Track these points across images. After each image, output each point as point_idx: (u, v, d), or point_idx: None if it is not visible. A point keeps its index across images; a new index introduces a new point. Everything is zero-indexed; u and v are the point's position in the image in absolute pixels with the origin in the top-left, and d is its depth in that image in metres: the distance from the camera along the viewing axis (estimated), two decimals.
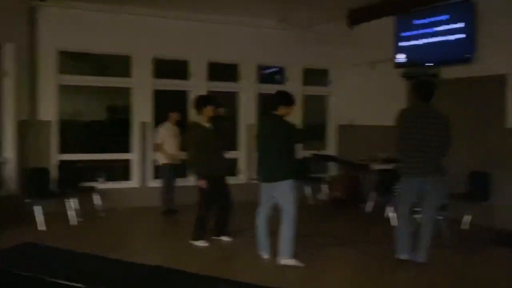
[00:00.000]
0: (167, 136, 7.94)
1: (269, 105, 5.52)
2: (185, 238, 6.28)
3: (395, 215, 6.03)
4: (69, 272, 2.90)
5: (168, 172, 7.96)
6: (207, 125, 6.16)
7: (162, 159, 8.02)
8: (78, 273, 2.88)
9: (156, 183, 8.55)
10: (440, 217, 6.11)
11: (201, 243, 6.10)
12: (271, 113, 5.46)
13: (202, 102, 6.23)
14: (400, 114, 5.48)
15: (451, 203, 6.67)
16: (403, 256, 5.43)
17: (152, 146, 8.31)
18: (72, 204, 7.28)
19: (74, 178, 7.89)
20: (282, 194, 5.32)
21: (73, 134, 8.79)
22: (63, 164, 8.03)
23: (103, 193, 7.94)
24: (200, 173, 6.05)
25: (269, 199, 5.48)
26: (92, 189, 7.82)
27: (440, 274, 5.24)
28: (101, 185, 8.17)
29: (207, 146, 6.05)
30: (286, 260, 5.30)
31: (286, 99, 5.48)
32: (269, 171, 5.39)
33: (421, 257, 5.36)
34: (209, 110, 6.16)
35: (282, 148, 5.31)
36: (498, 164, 7.03)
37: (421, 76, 8.17)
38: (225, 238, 6.30)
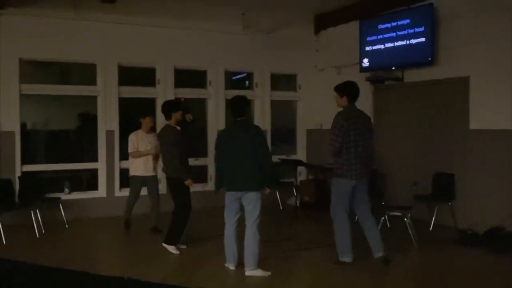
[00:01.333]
0: (140, 144, 7.20)
1: (236, 110, 5.35)
2: (151, 246, 6.20)
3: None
4: (28, 285, 2.83)
5: (139, 185, 7.28)
6: (179, 128, 6.16)
7: (133, 170, 7.29)
8: (36, 287, 2.81)
9: (125, 192, 8.45)
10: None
11: (173, 250, 6.02)
12: (240, 119, 5.33)
13: (171, 107, 6.23)
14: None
15: (416, 204, 6.75)
16: (347, 259, 5.50)
17: (127, 155, 7.42)
18: (34, 216, 7.11)
19: (38, 189, 7.73)
20: (251, 203, 5.21)
21: (39, 144, 8.61)
22: (27, 175, 7.86)
23: (68, 204, 7.80)
24: (187, 173, 6.02)
25: (237, 208, 5.34)
26: (57, 200, 7.66)
27: (404, 274, 5.29)
28: (67, 195, 8.03)
29: (182, 149, 6.04)
30: (252, 272, 5.22)
31: (247, 103, 5.48)
32: (241, 179, 5.21)
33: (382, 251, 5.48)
34: (178, 115, 6.17)
35: (257, 156, 5.20)
36: (462, 164, 7.14)
37: (385, 79, 8.30)
38: (181, 246, 6.23)
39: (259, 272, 5.22)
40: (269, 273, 5.23)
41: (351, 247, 5.49)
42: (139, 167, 7.20)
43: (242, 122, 5.34)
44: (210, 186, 9.19)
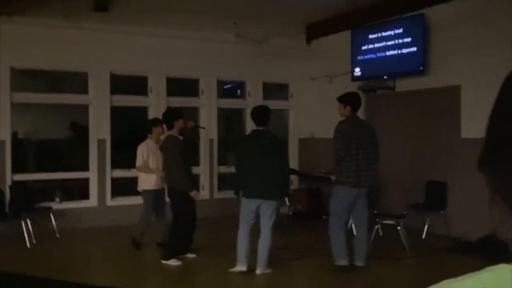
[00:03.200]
0: (151, 156, 6.66)
1: (259, 119, 5.54)
2: (145, 258, 6.15)
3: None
4: None
5: (151, 200, 6.67)
6: (181, 138, 6.13)
7: (144, 184, 6.70)
8: None
9: (117, 202, 8.43)
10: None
11: (174, 262, 5.94)
12: (263, 129, 5.53)
13: (173, 115, 6.19)
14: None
15: (409, 212, 6.77)
16: (343, 262, 5.53)
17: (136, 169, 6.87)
18: (25, 226, 7.03)
19: (29, 199, 7.64)
20: (270, 209, 5.41)
21: (30, 153, 8.55)
22: (18, 185, 7.77)
23: (60, 213, 7.72)
24: (193, 185, 6.05)
25: (254, 215, 5.50)
26: (48, 210, 7.58)
27: (397, 282, 5.30)
28: (58, 205, 7.96)
29: (185, 159, 6.00)
30: (264, 271, 5.47)
31: (269, 113, 5.65)
32: (262, 187, 5.36)
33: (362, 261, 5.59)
34: (180, 123, 6.11)
35: (278, 165, 5.40)
36: (454, 173, 7.19)
37: (377, 88, 8.35)
38: (190, 255, 6.19)
39: (268, 270, 5.54)
40: (271, 269, 5.56)
41: (347, 251, 5.51)
42: (152, 179, 6.64)
43: (265, 132, 5.53)
44: (203, 195, 9.18)
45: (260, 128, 5.53)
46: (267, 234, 5.44)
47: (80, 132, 8.81)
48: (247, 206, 5.48)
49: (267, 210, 5.41)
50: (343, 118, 5.60)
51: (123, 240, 7.08)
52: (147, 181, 6.65)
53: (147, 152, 6.64)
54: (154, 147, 6.62)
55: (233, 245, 5.54)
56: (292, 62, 9.78)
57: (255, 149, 5.43)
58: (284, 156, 5.58)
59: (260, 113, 5.57)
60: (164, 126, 6.42)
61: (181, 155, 5.93)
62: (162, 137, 6.45)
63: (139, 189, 6.82)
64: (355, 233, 5.71)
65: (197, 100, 9.32)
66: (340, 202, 5.52)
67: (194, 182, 6.17)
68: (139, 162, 6.67)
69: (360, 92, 8.45)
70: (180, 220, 5.99)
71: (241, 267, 5.48)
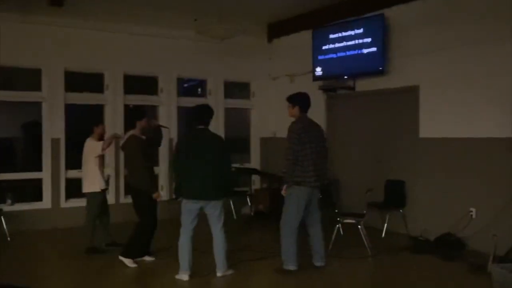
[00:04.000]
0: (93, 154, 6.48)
1: (197, 118, 5.35)
2: (97, 260, 5.95)
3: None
4: None
5: (98, 202, 6.50)
6: (143, 137, 5.95)
7: (93, 186, 6.46)
8: None
9: (71, 203, 8.15)
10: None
11: (131, 263, 5.78)
12: (202, 128, 5.34)
13: (135, 115, 6.05)
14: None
15: (369, 211, 6.81)
16: (292, 267, 5.49)
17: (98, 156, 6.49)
18: None
19: None
20: (217, 209, 5.27)
21: None
22: None
23: (11, 215, 7.40)
24: (154, 186, 5.92)
25: (195, 216, 5.30)
26: None
27: (357, 281, 5.30)
28: (9, 207, 7.63)
29: (147, 159, 5.85)
30: (225, 272, 5.36)
31: (211, 112, 5.47)
32: (203, 188, 5.19)
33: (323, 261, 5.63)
34: (143, 123, 5.97)
35: (218, 165, 5.24)
36: (412, 172, 7.27)
37: (337, 88, 8.37)
38: (147, 258, 6.03)
39: (230, 271, 5.41)
40: (232, 270, 5.47)
41: (297, 255, 5.49)
42: (99, 179, 6.48)
43: (204, 131, 5.34)
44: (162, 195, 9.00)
45: (200, 127, 5.32)
46: (219, 236, 5.30)
47: (33, 130, 8.46)
48: (188, 207, 5.27)
49: (214, 212, 5.27)
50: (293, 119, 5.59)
51: (77, 242, 6.80)
52: (96, 182, 6.44)
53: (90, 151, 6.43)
54: (95, 146, 6.43)
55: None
56: (254, 61, 9.72)
57: (194, 148, 5.25)
58: (224, 154, 5.30)
59: (200, 112, 5.40)
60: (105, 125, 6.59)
61: (143, 155, 5.77)
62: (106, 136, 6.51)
63: (87, 190, 6.48)
64: (309, 233, 5.67)
65: (156, 98, 9.11)
66: (296, 204, 5.47)
67: (155, 183, 6.01)
68: (98, 150, 6.38)
69: (321, 92, 8.53)
70: (144, 221, 5.83)
71: (183, 275, 5.27)
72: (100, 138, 6.56)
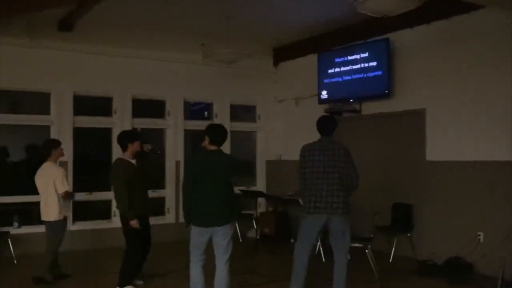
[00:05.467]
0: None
1: (213, 139, 4.89)
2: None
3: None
4: None
5: (63, 229, 6.28)
6: (133, 161, 5.87)
7: (58, 213, 6.14)
8: None
9: (79, 226, 8.17)
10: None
11: None
12: (214, 149, 4.92)
13: (128, 137, 5.90)
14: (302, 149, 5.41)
15: (376, 235, 6.78)
16: None
17: (64, 195, 6.19)
18: None
19: None
20: (226, 237, 4.82)
21: None
22: None
23: (18, 238, 7.41)
24: (132, 213, 5.64)
25: (204, 245, 4.88)
26: (5, 235, 7.26)
27: None
28: (16, 230, 7.64)
29: (135, 184, 5.73)
30: None
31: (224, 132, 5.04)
32: (212, 214, 4.80)
33: None
34: (135, 146, 5.85)
35: (228, 187, 4.89)
36: (419, 195, 7.25)
37: (343, 111, 8.41)
38: (138, 282, 5.94)
39: None
40: None
41: (300, 281, 5.23)
42: (63, 206, 6.21)
43: (216, 152, 4.92)
44: (168, 218, 8.99)
45: (212, 148, 4.88)
46: (224, 270, 4.83)
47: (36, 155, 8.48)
48: (197, 234, 4.83)
49: (222, 240, 4.80)
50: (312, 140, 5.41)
51: (83, 265, 6.82)
52: (61, 209, 6.14)
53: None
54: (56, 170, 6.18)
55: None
56: (260, 84, 9.81)
57: (204, 170, 4.85)
58: (231, 175, 4.92)
59: (213, 132, 4.93)
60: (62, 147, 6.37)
61: (126, 180, 5.63)
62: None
63: (51, 218, 6.13)
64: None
65: (163, 121, 9.18)
66: (301, 229, 5.32)
67: (150, 206, 5.94)
68: (64, 186, 6.11)
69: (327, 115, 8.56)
70: (132, 247, 5.74)
71: None
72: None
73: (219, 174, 4.84)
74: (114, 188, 5.85)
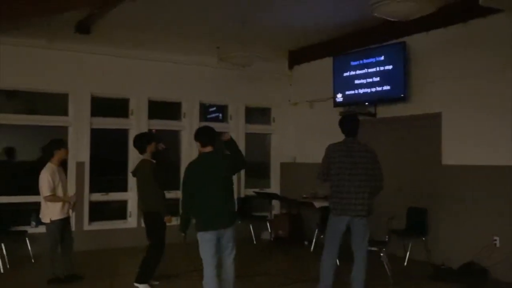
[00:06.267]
0: (56, 183, 6.12)
1: (205, 140, 4.88)
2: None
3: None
4: None
5: (58, 230, 6.13)
6: (154, 161, 6.02)
7: (52, 214, 6.08)
8: None
9: (94, 226, 8.26)
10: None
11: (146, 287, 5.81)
12: (211, 151, 4.87)
13: (145, 139, 6.09)
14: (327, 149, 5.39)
15: (391, 239, 6.76)
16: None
17: (45, 199, 6.10)
18: None
19: (3, 222, 7.44)
20: (231, 240, 4.76)
21: (5, 175, 8.32)
22: None
23: (36, 237, 7.51)
24: (166, 210, 5.82)
25: (217, 251, 4.73)
26: (23, 234, 7.37)
27: None
28: (34, 229, 7.76)
29: (158, 183, 5.87)
30: None
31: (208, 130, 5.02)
32: (218, 215, 4.71)
33: None
34: (152, 147, 6.03)
35: (229, 186, 4.87)
36: (435, 199, 7.21)
37: (358, 114, 8.38)
38: (154, 282, 6.03)
39: None
40: None
41: (327, 279, 5.29)
42: (58, 207, 6.11)
43: (212, 153, 4.86)
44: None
45: (207, 150, 4.85)
46: (231, 269, 4.79)
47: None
48: (207, 240, 4.67)
49: (228, 242, 4.73)
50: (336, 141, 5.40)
51: (99, 265, 6.90)
52: (55, 210, 6.06)
53: (53, 179, 6.05)
54: (57, 172, 6.14)
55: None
56: (274, 87, 9.86)
57: (203, 173, 4.76)
58: (231, 171, 4.90)
59: (204, 133, 4.93)
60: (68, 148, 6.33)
61: (155, 178, 5.82)
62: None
63: (45, 220, 6.11)
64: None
65: (179, 123, 9.25)
66: (327, 229, 5.38)
67: (167, 207, 6.04)
68: (46, 191, 6.01)
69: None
70: (156, 245, 5.86)
71: None
72: (61, 163, 6.29)
73: (218, 173, 4.78)
74: (144, 188, 5.93)
